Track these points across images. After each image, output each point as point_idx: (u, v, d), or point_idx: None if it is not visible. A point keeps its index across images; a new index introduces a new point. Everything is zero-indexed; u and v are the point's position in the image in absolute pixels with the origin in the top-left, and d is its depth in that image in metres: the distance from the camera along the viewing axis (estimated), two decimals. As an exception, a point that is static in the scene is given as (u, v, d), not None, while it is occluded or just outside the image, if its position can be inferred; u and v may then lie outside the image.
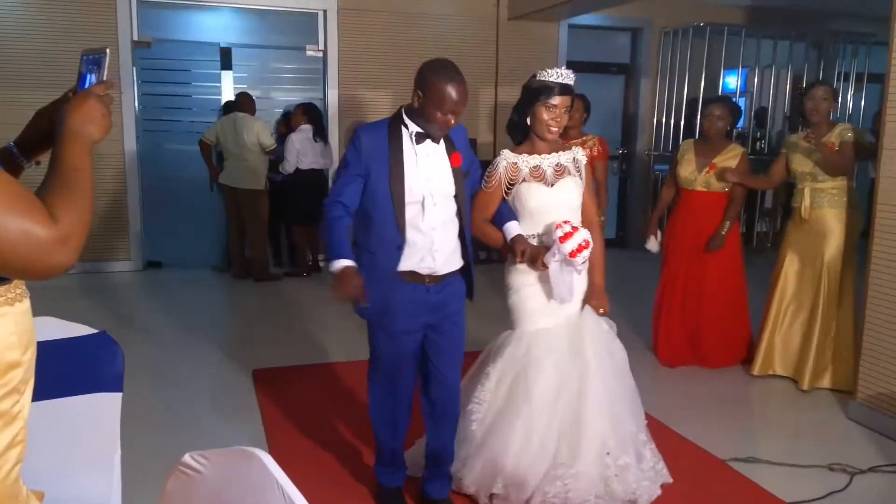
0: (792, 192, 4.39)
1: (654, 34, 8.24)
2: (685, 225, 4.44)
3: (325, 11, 7.26)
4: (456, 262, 2.57)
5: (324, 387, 4.15)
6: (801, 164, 4.17)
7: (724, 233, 4.32)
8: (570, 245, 2.52)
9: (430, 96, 2.35)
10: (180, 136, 7.52)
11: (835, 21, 8.44)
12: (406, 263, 2.46)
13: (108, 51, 1.28)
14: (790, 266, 4.27)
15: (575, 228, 2.57)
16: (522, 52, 7.81)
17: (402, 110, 2.49)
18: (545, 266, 2.60)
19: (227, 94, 7.47)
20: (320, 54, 7.43)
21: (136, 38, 6.83)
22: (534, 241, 2.70)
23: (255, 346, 4.88)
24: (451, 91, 2.34)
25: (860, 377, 3.70)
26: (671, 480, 2.88)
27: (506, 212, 2.73)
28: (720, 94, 7.86)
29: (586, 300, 2.79)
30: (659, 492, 2.79)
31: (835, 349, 4.14)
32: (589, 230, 2.63)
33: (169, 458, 1.41)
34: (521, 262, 2.64)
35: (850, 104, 8.43)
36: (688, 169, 4.39)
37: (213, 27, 7.66)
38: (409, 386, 2.66)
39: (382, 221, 2.43)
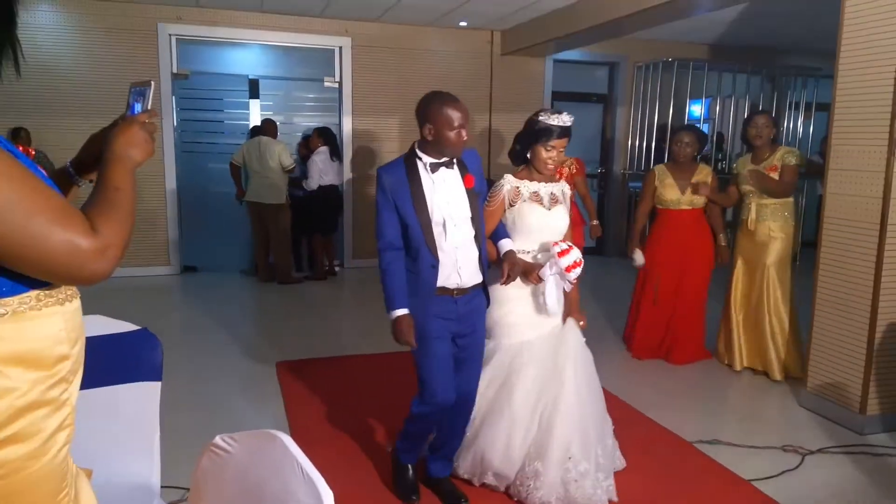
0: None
1: (628, 68, 8.26)
2: (669, 240, 4.41)
3: (340, 48, 7.30)
4: (478, 277, 2.53)
5: (341, 377, 4.14)
6: (747, 185, 4.22)
7: (724, 244, 4.38)
8: (567, 260, 2.50)
9: (439, 121, 2.35)
10: (214, 157, 7.53)
11: (787, 56, 8.47)
12: (438, 280, 2.44)
13: (152, 83, 1.27)
14: (740, 271, 4.30)
15: (570, 247, 2.55)
16: (513, 83, 7.86)
17: (415, 146, 2.48)
18: (539, 279, 2.56)
19: (255, 119, 7.49)
20: (336, 85, 7.46)
21: (175, 70, 6.88)
22: (526, 257, 2.66)
23: (279, 341, 4.87)
24: (454, 109, 2.36)
25: (810, 369, 3.69)
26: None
27: (501, 230, 2.69)
28: (686, 120, 7.90)
29: (568, 313, 2.75)
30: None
31: (780, 342, 4.16)
32: None
33: (202, 439, 1.40)
34: (503, 283, 2.56)
35: (800, 130, 8.44)
36: (672, 192, 4.38)
37: (243, 61, 7.68)
38: (447, 400, 2.49)
39: (419, 246, 2.41)
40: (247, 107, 7.60)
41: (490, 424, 2.64)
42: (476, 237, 2.50)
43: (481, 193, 2.58)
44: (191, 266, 7.28)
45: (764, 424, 3.56)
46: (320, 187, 6.77)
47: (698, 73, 7.87)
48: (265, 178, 6.61)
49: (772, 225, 4.15)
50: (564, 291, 2.66)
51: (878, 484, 2.93)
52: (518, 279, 2.61)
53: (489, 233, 2.65)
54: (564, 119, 2.63)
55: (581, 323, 2.74)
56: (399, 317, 2.40)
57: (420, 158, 2.44)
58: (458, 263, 2.45)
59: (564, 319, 2.73)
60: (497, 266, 2.63)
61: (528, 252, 2.69)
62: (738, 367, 4.30)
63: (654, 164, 5.13)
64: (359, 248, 7.65)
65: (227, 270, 7.28)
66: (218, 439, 1.29)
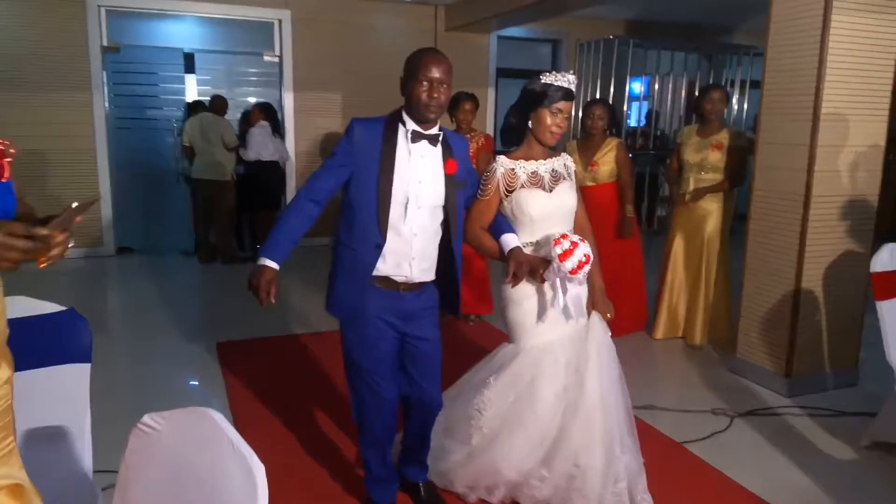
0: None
1: (570, 45, 8.33)
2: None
3: (280, 21, 7.12)
4: (431, 273, 2.24)
5: (285, 356, 4.10)
6: (692, 156, 4.28)
7: (628, 216, 4.35)
8: (570, 263, 2.20)
9: (410, 73, 2.10)
10: (149, 133, 7.28)
11: (723, 35, 8.69)
12: (382, 267, 2.15)
13: (74, 205, 1.15)
14: (678, 244, 4.41)
15: (574, 244, 2.22)
16: (458, 59, 7.68)
17: (402, 107, 2.18)
18: (544, 280, 2.29)
19: (191, 94, 7.27)
20: (276, 59, 7.29)
21: (105, 43, 6.59)
22: (529, 249, 2.36)
23: (221, 322, 4.78)
24: (428, 60, 2.07)
25: (739, 336, 3.85)
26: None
27: (502, 222, 2.37)
28: (627, 98, 8.04)
29: (592, 306, 2.45)
30: None
31: (715, 311, 4.32)
32: (582, 234, 2.35)
33: (135, 423, 1.37)
34: (510, 283, 2.29)
35: (735, 108, 8.70)
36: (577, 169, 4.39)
37: (178, 34, 7.43)
38: (391, 399, 2.25)
39: (365, 218, 2.11)
40: (182, 81, 7.35)
41: (508, 433, 2.37)
42: (445, 229, 2.22)
43: (465, 185, 2.29)
44: (126, 247, 7.06)
45: (696, 390, 3.70)
46: (260, 162, 6.65)
47: (638, 51, 8.00)
48: (210, 155, 6.48)
49: (709, 199, 4.26)
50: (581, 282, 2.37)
51: (801, 442, 3.10)
52: (515, 282, 2.32)
53: (486, 224, 2.37)
54: (570, 79, 2.33)
55: (608, 315, 2.47)
56: (266, 267, 2.10)
57: (404, 122, 2.15)
58: (411, 253, 2.15)
59: (589, 311, 2.44)
60: (503, 263, 2.34)
61: (532, 244, 2.38)
62: (661, 336, 4.45)
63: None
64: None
65: (166, 251, 7.08)
66: (146, 418, 1.27)
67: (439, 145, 2.18)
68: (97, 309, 5.15)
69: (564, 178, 2.42)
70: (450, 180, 2.18)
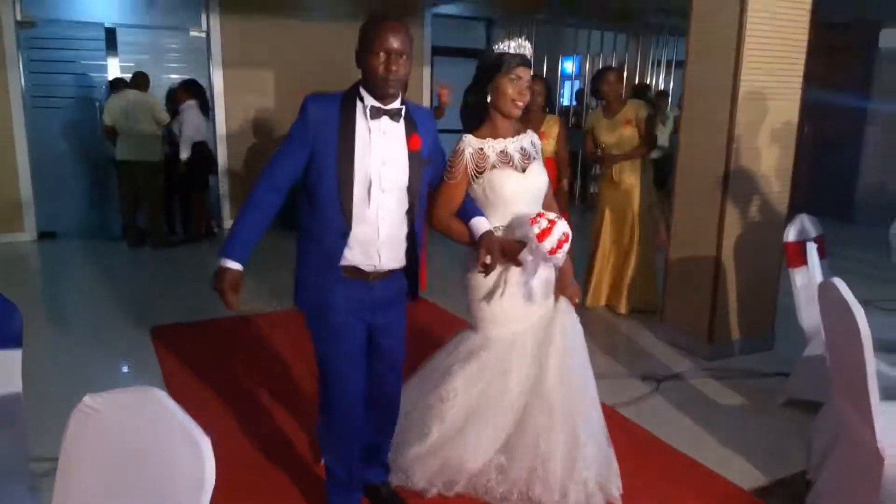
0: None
1: (504, 24, 8.39)
2: None
3: (206, -6, 6.90)
4: (401, 260, 2.09)
5: (222, 339, 4.05)
6: (607, 137, 4.47)
7: (564, 190, 4.49)
8: (549, 242, 2.08)
9: (366, 45, 1.92)
10: (69, 113, 6.94)
11: (651, 15, 8.92)
12: (350, 257, 1.99)
13: None
14: (607, 218, 4.60)
15: (552, 222, 2.10)
16: (391, 37, 7.73)
17: (359, 81, 2.00)
18: (520, 264, 2.15)
19: (113, 72, 6.95)
20: (204, 35, 7.06)
21: (19, 17, 6.25)
22: (499, 233, 2.22)
23: (154, 306, 4.66)
24: (385, 30, 1.89)
25: (666, 304, 4.05)
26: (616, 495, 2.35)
27: (471, 206, 2.21)
28: (559, 77, 8.19)
29: (560, 290, 2.33)
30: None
31: (641, 281, 4.55)
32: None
33: (71, 409, 1.36)
34: (481, 270, 2.11)
35: (662, 86, 8.97)
36: None
37: (98, 8, 7.05)
38: (360, 395, 2.10)
39: (327, 205, 1.95)
40: (104, 58, 7.02)
41: (476, 424, 2.26)
42: (409, 211, 2.05)
43: (431, 164, 2.12)
44: (49, 232, 6.75)
45: (624, 356, 3.87)
46: (193, 143, 6.40)
47: (570, 30, 8.15)
48: (137, 135, 6.21)
49: (633, 175, 4.45)
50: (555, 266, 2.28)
51: (722, 401, 3.31)
52: (484, 269, 2.14)
53: (455, 209, 2.20)
54: (525, 45, 2.20)
55: (576, 300, 2.35)
56: (229, 269, 1.93)
57: (362, 98, 1.96)
58: (379, 240, 1.99)
59: (557, 297, 2.33)
60: (472, 249, 2.18)
61: (504, 228, 2.24)
62: (590, 304, 4.63)
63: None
64: (236, 208, 7.40)
65: (91, 236, 6.81)
66: (87, 398, 1.26)
67: (402, 121, 2.01)
68: (20, 296, 4.90)
69: (534, 157, 2.29)
70: (413, 157, 2.02)
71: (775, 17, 3.49)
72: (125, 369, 3.66)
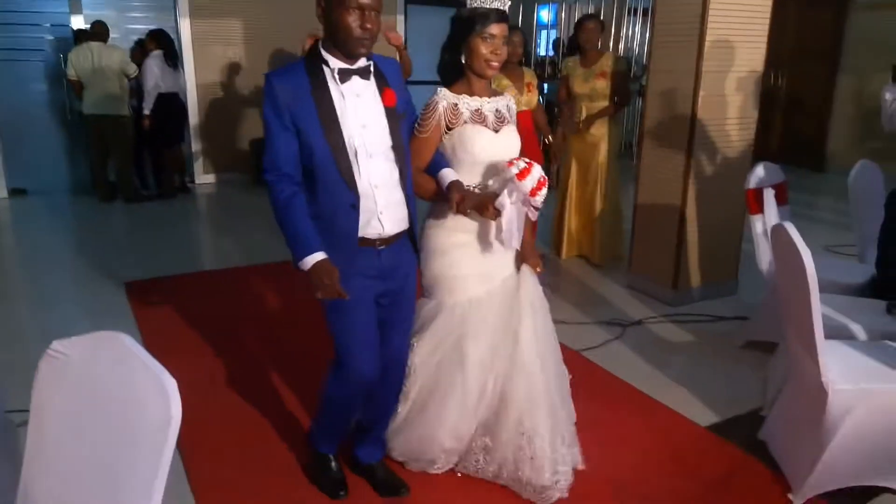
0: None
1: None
2: None
3: (171, -60, 6.68)
4: (405, 222, 2.01)
5: (197, 293, 4.08)
6: (581, 87, 4.46)
7: (552, 141, 4.53)
8: (529, 182, 1.99)
9: (335, 0, 1.76)
10: (34, 66, 6.76)
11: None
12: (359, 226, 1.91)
13: None
14: (574, 169, 4.64)
15: (530, 164, 2.02)
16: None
17: (319, 45, 1.86)
18: (497, 212, 2.03)
19: (77, 23, 6.75)
20: (170, -17, 6.86)
21: (-27, -35, 6.00)
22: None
23: (128, 261, 4.67)
24: None
25: (633, 253, 4.14)
26: (581, 466, 2.33)
27: (440, 160, 2.12)
28: (535, 26, 8.10)
29: (523, 259, 2.26)
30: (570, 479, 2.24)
31: (611, 230, 4.62)
32: None
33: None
34: (455, 212, 2.01)
35: (637, 35, 8.92)
36: (512, 94, 4.48)
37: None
38: (372, 374, 2.02)
39: (328, 180, 1.84)
40: (67, 8, 6.81)
41: (438, 399, 2.20)
42: (401, 174, 1.96)
43: (405, 118, 2.02)
44: (19, 189, 6.66)
45: (593, 304, 3.97)
46: (160, 95, 6.28)
47: (545, -23, 8.03)
48: (102, 87, 6.08)
49: (601, 127, 4.47)
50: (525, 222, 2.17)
51: (685, 344, 3.44)
52: (468, 215, 2.08)
53: (424, 165, 2.11)
54: (501, 0, 2.07)
55: (538, 269, 2.27)
56: (317, 264, 1.81)
57: (326, 63, 1.83)
58: (377, 207, 1.91)
59: (518, 266, 2.26)
60: (440, 201, 2.12)
61: (472, 187, 2.13)
62: (565, 255, 4.72)
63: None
64: (209, 163, 7.33)
65: (62, 191, 6.73)
66: (55, 344, 1.30)
67: (372, 77, 1.89)
68: (-9, 254, 4.91)
69: (508, 121, 2.21)
70: (391, 114, 1.91)
71: (743, -37, 3.49)
72: (99, 324, 3.68)
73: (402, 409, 2.26)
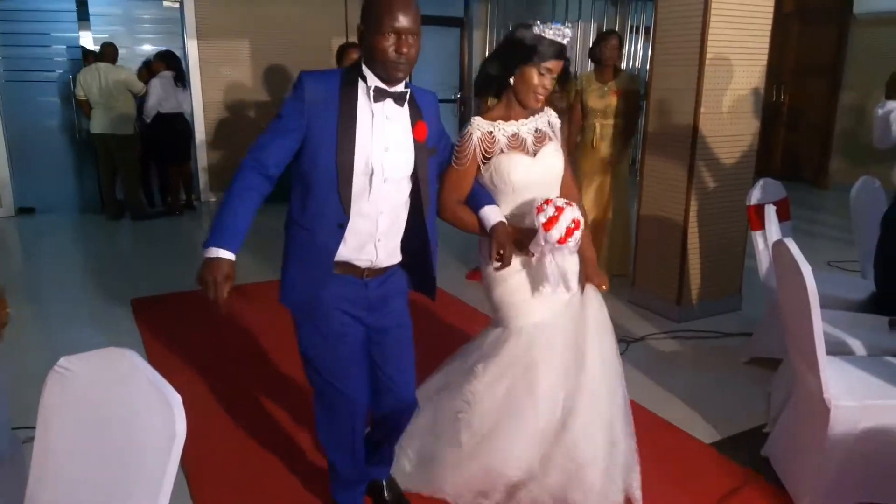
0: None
1: (481, -9, 8.36)
2: None
3: (179, -36, 6.80)
4: (398, 256, 1.93)
5: (203, 310, 4.09)
6: (596, 103, 4.43)
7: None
8: (556, 232, 1.92)
9: (372, 22, 1.70)
10: (43, 87, 6.86)
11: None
12: (343, 251, 1.82)
13: None
14: (586, 185, 4.62)
15: (559, 209, 1.93)
16: (368, 5, 7.68)
17: (361, 58, 1.80)
18: (532, 254, 2.01)
19: (86, 44, 6.86)
20: (177, 5, 6.98)
21: (-15, -13, 6.12)
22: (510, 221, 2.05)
23: (134, 278, 4.70)
24: (394, 6, 1.67)
25: (636, 270, 4.15)
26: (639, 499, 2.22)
27: (481, 193, 2.05)
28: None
29: (585, 279, 2.17)
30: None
31: (620, 248, 4.61)
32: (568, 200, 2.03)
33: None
34: (496, 266, 1.98)
35: (640, 52, 8.99)
36: None
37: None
38: (359, 406, 1.96)
39: (323, 193, 1.76)
40: (76, 29, 6.92)
41: (506, 428, 2.08)
42: (417, 202, 1.89)
43: (436, 153, 1.95)
44: (27, 207, 6.73)
45: (599, 321, 3.97)
46: (162, 115, 6.40)
47: (547, -4, 8.12)
48: (111, 107, 6.18)
49: (610, 144, 4.46)
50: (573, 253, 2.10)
51: (689, 361, 3.44)
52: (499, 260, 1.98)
53: (464, 196, 2.05)
54: (566, 33, 1.99)
55: (603, 287, 2.19)
56: (218, 259, 1.70)
57: (364, 78, 1.78)
58: (377, 233, 1.83)
59: (582, 286, 2.17)
60: (484, 238, 2.06)
61: (514, 215, 2.07)
62: None
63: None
64: (215, 181, 7.39)
65: (70, 210, 6.79)
66: (63, 360, 1.31)
67: (406, 105, 1.82)
68: (1, 271, 4.95)
69: (550, 139, 2.11)
70: (420, 148, 1.85)
71: (742, -17, 3.54)
72: (106, 341, 3.70)
73: (466, 438, 2.12)
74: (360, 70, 1.78)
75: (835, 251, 5.13)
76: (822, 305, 2.10)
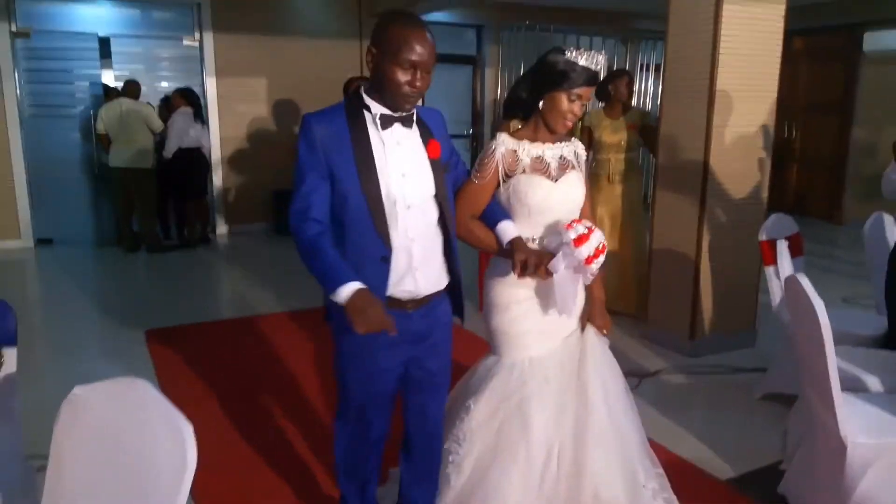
0: None
1: (493, 31, 8.51)
2: None
3: (199, 4, 7.02)
4: (442, 281, 1.87)
5: (216, 341, 4.12)
6: (610, 137, 4.47)
7: None
8: (586, 249, 1.86)
9: (386, 48, 1.64)
10: (65, 122, 7.03)
11: (638, 21, 9.04)
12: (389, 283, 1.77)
13: None
14: (601, 220, 4.62)
15: (590, 230, 1.89)
16: (382, 44, 7.85)
17: (361, 89, 1.76)
18: (549, 274, 1.90)
19: (108, 81, 7.05)
20: (197, 44, 7.17)
21: (14, 29, 6.35)
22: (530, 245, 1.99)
23: (148, 309, 4.73)
24: (412, 37, 1.63)
25: (649, 305, 4.13)
26: None
27: (497, 209, 2.00)
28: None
29: (588, 319, 2.12)
30: None
31: (631, 281, 4.58)
32: None
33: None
34: (520, 276, 1.88)
35: (650, 90, 9.08)
36: None
37: (92, 17, 7.13)
38: (382, 434, 1.95)
39: (359, 230, 1.71)
40: (98, 67, 7.11)
41: (499, 469, 1.98)
42: (442, 223, 1.84)
43: (449, 168, 1.92)
44: (46, 239, 6.83)
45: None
46: (183, 150, 6.53)
47: (558, 35, 8.24)
48: (131, 142, 6.32)
49: (627, 177, 4.50)
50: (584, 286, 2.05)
51: (703, 397, 3.40)
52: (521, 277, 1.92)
53: (479, 212, 2.00)
54: (599, 60, 1.95)
55: (604, 331, 2.14)
56: (357, 293, 1.59)
57: (368, 108, 1.73)
58: (413, 262, 1.77)
59: (583, 324, 2.11)
60: (500, 257, 2.00)
61: (531, 240, 2.01)
62: None
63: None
64: (231, 215, 7.48)
65: (87, 242, 6.89)
66: (77, 389, 1.33)
67: (414, 125, 1.79)
68: (19, 300, 4.97)
69: (573, 168, 2.07)
70: (436, 166, 1.81)
71: (749, 20, 3.58)
72: (119, 371, 3.72)
73: (456, 482, 2.03)
74: (363, 100, 1.74)
75: (850, 287, 5.09)
76: (837, 342, 2.09)
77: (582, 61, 1.91)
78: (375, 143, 1.73)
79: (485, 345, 2.18)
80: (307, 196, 1.69)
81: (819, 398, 2.22)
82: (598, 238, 1.89)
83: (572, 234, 1.87)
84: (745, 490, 2.55)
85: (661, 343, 4.03)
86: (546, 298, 2.01)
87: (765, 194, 3.91)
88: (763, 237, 3.19)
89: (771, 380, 3.31)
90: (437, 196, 1.81)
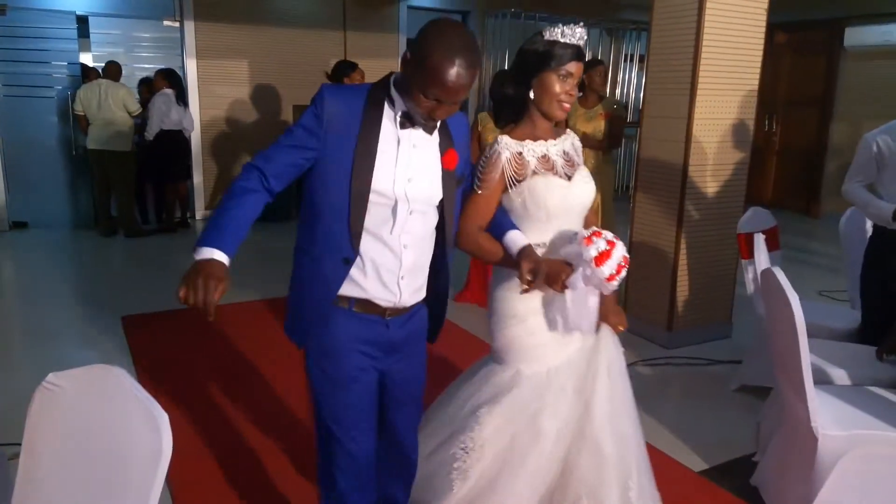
0: None
1: (479, 18, 8.48)
2: None
3: (180, -16, 6.90)
4: (422, 293, 1.75)
5: (194, 328, 4.09)
6: (584, 126, 4.54)
7: None
8: (608, 268, 1.72)
9: (420, 69, 1.47)
10: (40, 103, 6.89)
11: (623, 11, 9.06)
12: (359, 289, 1.63)
13: None
14: None
15: (611, 244, 1.74)
16: (367, 29, 7.81)
17: (392, 80, 1.61)
18: (565, 288, 1.76)
19: (86, 60, 6.92)
20: (177, 25, 7.05)
21: (-13, 4, 6.18)
22: (540, 251, 1.85)
23: (125, 295, 4.69)
24: (451, 71, 1.44)
25: (628, 295, 4.17)
26: None
27: (503, 218, 1.87)
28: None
29: (603, 317, 1.95)
30: None
31: None
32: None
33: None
34: (525, 289, 1.75)
35: (634, 80, 9.12)
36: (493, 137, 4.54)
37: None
38: (369, 452, 1.75)
39: (332, 222, 1.59)
40: (76, 48, 6.98)
41: (510, 479, 1.90)
42: (440, 235, 1.73)
43: (465, 172, 1.81)
44: (20, 222, 6.72)
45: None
46: (164, 132, 6.44)
47: (542, 23, 8.23)
48: (109, 124, 6.23)
49: (600, 169, 4.52)
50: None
51: (679, 387, 3.44)
52: (532, 288, 1.77)
53: (486, 224, 1.86)
54: (580, 33, 1.82)
55: (620, 328, 2.01)
56: (211, 260, 1.47)
57: (392, 101, 1.59)
58: (401, 270, 1.65)
59: (598, 324, 1.96)
60: (507, 268, 1.87)
61: (539, 246, 1.87)
62: None
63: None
64: (210, 199, 7.41)
65: (63, 225, 6.79)
66: (51, 376, 1.32)
67: (436, 133, 1.64)
68: (-10, 286, 4.94)
69: (577, 164, 1.97)
70: (448, 177, 1.68)
71: (732, 13, 3.61)
72: (95, 357, 3.68)
73: (460, 489, 1.92)
74: (389, 90, 1.60)
75: (826, 281, 5.17)
76: (811, 335, 2.13)
77: (564, 38, 1.80)
78: (388, 140, 1.58)
79: (481, 345, 2.08)
80: (279, 155, 1.57)
81: (792, 390, 2.26)
82: (620, 253, 1.75)
83: (593, 252, 1.72)
84: (717, 481, 2.59)
85: (638, 334, 4.07)
86: (559, 311, 1.85)
87: (744, 188, 3.96)
88: (741, 230, 3.23)
89: (745, 372, 3.36)
90: (441, 207, 1.70)
